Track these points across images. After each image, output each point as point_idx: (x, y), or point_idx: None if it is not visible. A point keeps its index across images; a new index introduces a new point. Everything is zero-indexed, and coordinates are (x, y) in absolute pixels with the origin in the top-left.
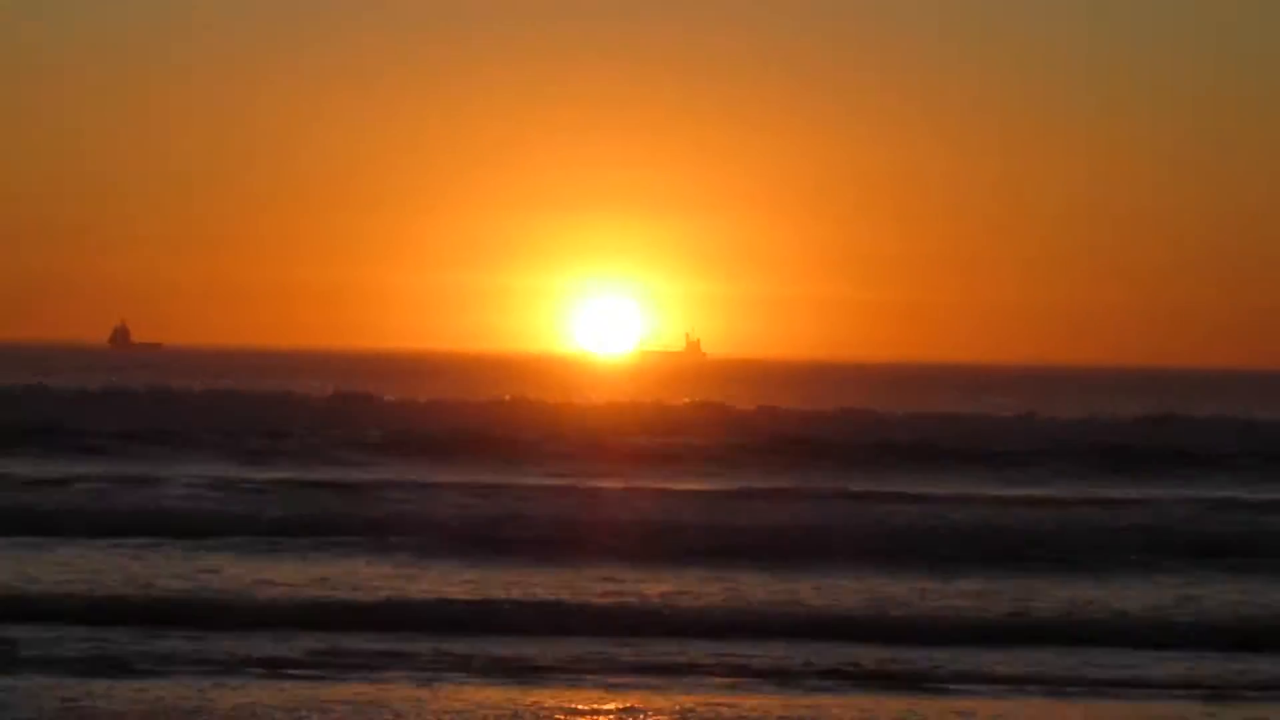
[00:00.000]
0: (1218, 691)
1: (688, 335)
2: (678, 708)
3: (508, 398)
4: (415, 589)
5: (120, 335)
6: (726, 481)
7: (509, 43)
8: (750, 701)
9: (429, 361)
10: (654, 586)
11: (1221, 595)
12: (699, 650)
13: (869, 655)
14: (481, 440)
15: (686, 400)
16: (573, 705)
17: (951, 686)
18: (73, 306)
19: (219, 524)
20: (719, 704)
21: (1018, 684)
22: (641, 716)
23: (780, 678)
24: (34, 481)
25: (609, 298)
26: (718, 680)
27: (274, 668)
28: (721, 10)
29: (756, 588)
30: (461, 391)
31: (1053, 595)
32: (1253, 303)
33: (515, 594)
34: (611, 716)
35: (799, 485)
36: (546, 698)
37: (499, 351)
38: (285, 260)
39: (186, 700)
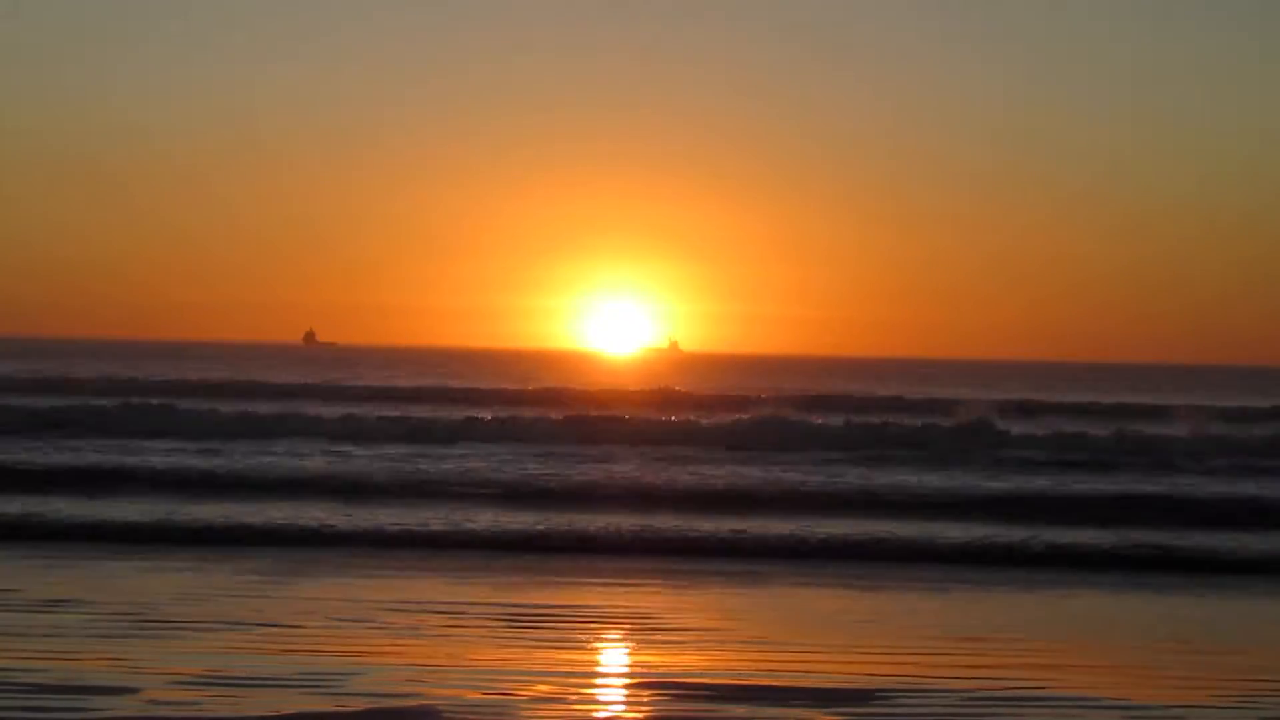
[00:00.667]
0: None
1: (669, 337)
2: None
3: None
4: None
5: (310, 336)
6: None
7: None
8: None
9: (491, 354)
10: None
11: None
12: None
13: None
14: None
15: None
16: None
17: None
18: (276, 316)
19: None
20: None
21: None
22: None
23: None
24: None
25: (617, 305)
26: None
27: None
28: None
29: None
30: (562, 381)
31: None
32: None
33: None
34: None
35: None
36: None
37: (535, 348)
38: (404, 289)
39: None
